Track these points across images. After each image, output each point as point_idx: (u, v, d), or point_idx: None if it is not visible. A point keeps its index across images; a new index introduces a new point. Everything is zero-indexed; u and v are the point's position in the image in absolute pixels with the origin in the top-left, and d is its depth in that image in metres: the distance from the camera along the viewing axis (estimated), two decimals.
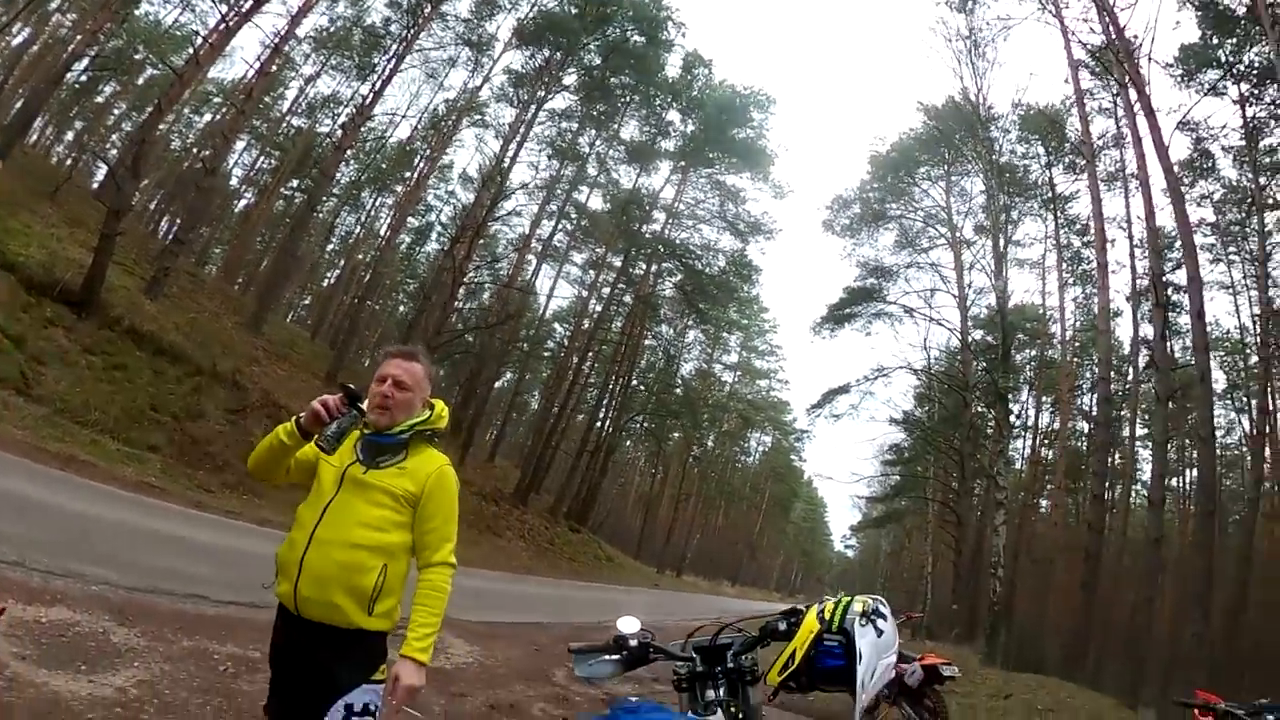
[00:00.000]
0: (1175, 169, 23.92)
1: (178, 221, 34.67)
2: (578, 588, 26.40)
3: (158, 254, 25.76)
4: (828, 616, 2.89)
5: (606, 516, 54.95)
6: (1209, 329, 24.73)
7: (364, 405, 3.06)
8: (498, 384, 47.06)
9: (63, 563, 7.00)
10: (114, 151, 37.45)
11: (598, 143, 41.26)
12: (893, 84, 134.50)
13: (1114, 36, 24.13)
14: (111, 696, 4.85)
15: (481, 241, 37.38)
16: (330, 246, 52.50)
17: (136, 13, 33.67)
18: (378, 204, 48.43)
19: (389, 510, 3.00)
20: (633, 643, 3.03)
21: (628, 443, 59.01)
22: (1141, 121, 23.62)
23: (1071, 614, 26.78)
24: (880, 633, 2.88)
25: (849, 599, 2.97)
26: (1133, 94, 23.53)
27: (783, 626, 2.98)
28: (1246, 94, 25.34)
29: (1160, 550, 23.54)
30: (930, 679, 9.40)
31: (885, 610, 2.95)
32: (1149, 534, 22.86)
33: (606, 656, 3.07)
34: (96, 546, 7.96)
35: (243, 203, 47.11)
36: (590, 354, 43.32)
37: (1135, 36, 24.19)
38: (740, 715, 2.89)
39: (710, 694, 2.92)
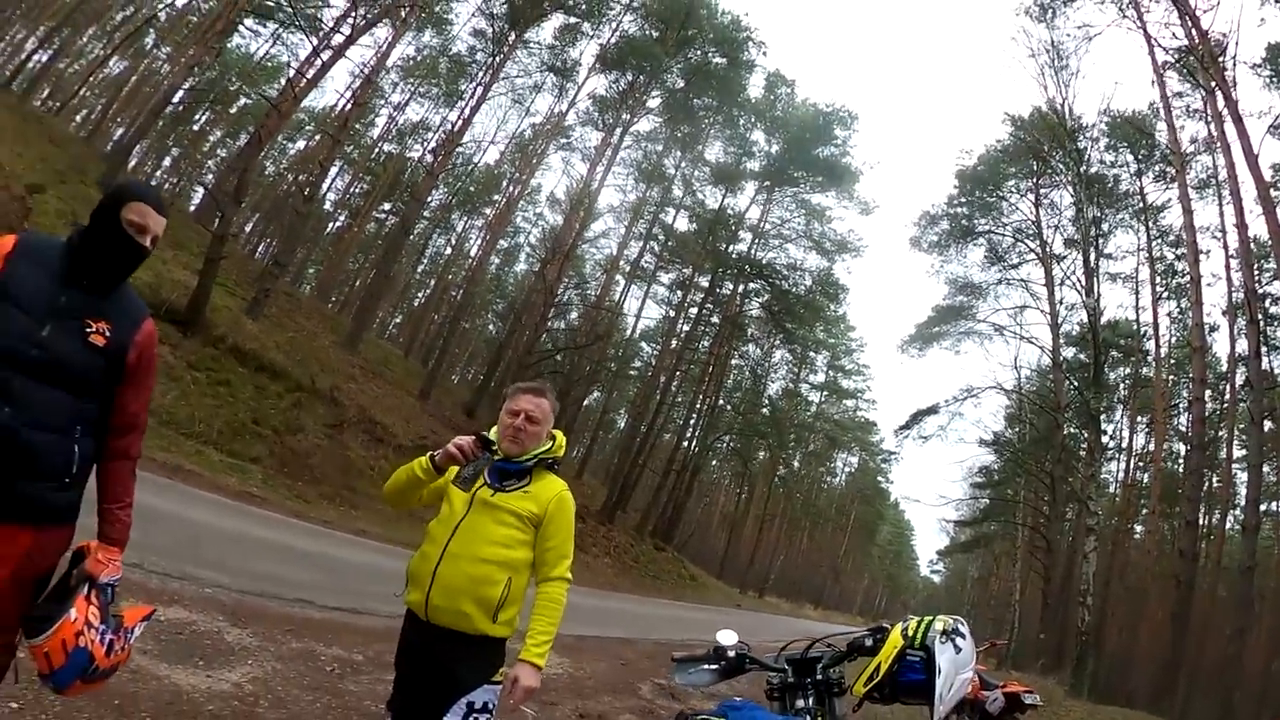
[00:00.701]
0: (1267, 175, 23.35)
1: (275, 244, 35.80)
2: (661, 605, 26.55)
3: (258, 276, 26.63)
4: (911, 633, 3.02)
5: (691, 535, 54.94)
6: None
7: (495, 449, 3.37)
8: (586, 402, 47.36)
9: (178, 566, 7.40)
10: (210, 176, 38.93)
11: (683, 164, 41.56)
12: (977, 96, 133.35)
13: (1197, 40, 23.76)
14: (228, 690, 5.18)
15: (570, 262, 37.86)
16: (421, 267, 53.72)
17: (230, 45, 35.01)
18: (467, 226, 49.58)
19: (515, 529, 3.29)
20: (731, 653, 3.27)
21: (713, 462, 59.04)
22: (1230, 128, 23.16)
23: (1162, 645, 26.02)
24: (959, 650, 3.00)
25: (931, 618, 3.10)
26: (1219, 99, 23.04)
27: (869, 642, 3.13)
28: None
29: (1254, 579, 22.91)
30: (1012, 707, 9.35)
31: (964, 630, 3.08)
32: (1243, 561, 22.17)
33: (706, 665, 3.30)
34: (207, 552, 8.36)
35: (336, 225, 48.51)
36: (677, 373, 43.37)
37: (1220, 37, 23.68)
38: None
39: (800, 703, 3.12)
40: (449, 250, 51.63)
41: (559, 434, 3.56)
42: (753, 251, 42.67)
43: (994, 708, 9.37)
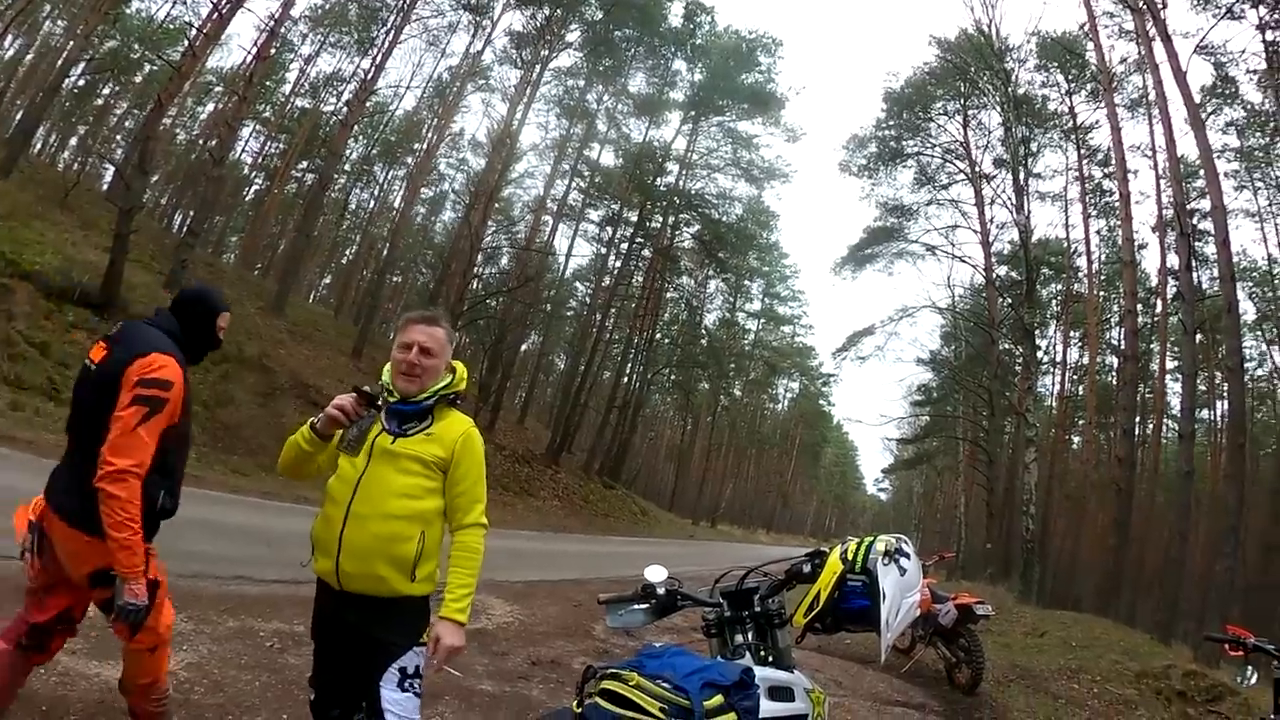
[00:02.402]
0: (1196, 95, 23.50)
1: (191, 214, 34.69)
2: (613, 543, 26.62)
3: (174, 248, 25.85)
4: (850, 557, 2.86)
5: (639, 471, 55.32)
6: (1236, 258, 24.47)
7: (380, 403, 3.13)
8: (523, 347, 47.04)
9: None
10: (120, 152, 37.54)
11: (605, 98, 40.83)
12: (903, 18, 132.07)
13: None
14: None
15: (497, 206, 37.27)
16: (346, 224, 52.41)
17: (128, 11, 33.58)
18: (390, 177, 48.32)
19: (420, 478, 3.06)
20: (660, 591, 3.08)
21: (655, 397, 59.16)
22: (1158, 48, 23.23)
23: (1105, 551, 26.88)
24: (904, 571, 2.85)
25: (871, 539, 2.95)
26: (1149, 19, 23.07)
27: (807, 569, 2.96)
28: (1266, 18, 24.36)
29: (1192, 484, 23.53)
30: (964, 618, 9.51)
31: (908, 549, 2.93)
32: (1180, 467, 22.79)
33: (636, 606, 3.11)
34: None
35: (254, 189, 47.12)
36: (612, 310, 43.25)
37: None
38: (770, 658, 2.92)
39: (739, 638, 2.96)
40: (373, 204, 50.51)
41: (459, 365, 3.32)
42: (681, 183, 42.45)
43: (946, 620, 9.52)
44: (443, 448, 3.10)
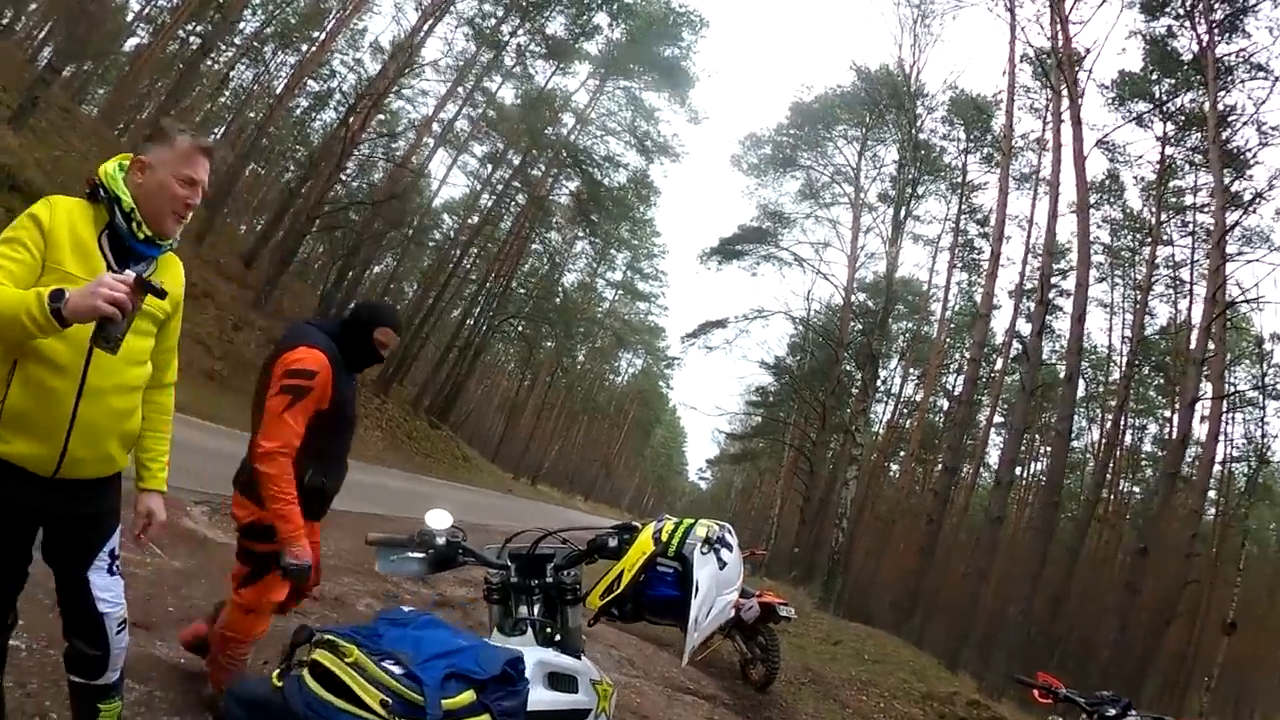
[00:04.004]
0: (1088, 181, 24.96)
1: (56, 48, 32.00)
2: (429, 484, 26.08)
3: (30, 83, 23.78)
4: (665, 539, 2.54)
5: (468, 416, 54.52)
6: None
7: (158, 285, 2.26)
8: (376, 268, 45.70)
9: None
10: None
11: (520, 34, 39.69)
12: (832, 35, 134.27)
13: (1061, 44, 24.80)
14: None
15: (381, 118, 35.86)
16: (221, 100, 49.37)
17: None
18: (280, 62, 45.72)
19: (148, 337, 2.56)
20: (440, 541, 2.65)
21: (499, 345, 58.44)
22: (1066, 130, 24.42)
23: (904, 575, 28.46)
24: (723, 564, 2.53)
25: (692, 522, 2.64)
26: (1064, 101, 24.21)
27: (613, 543, 2.65)
28: (1170, 134, 26.69)
29: (1000, 529, 25.19)
30: (766, 617, 9.52)
31: (732, 540, 2.62)
32: (991, 511, 24.33)
33: (410, 553, 2.68)
34: None
35: (135, 41, 43.86)
36: (474, 249, 42.03)
37: (1083, 50, 25.07)
38: (555, 638, 2.52)
39: (523, 610, 2.56)
40: (255, 87, 47.78)
41: None
42: (573, 137, 41.69)
43: (748, 616, 9.48)
44: (170, 300, 2.57)
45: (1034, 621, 22.56)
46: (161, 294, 2.28)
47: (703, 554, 2.43)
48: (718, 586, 2.48)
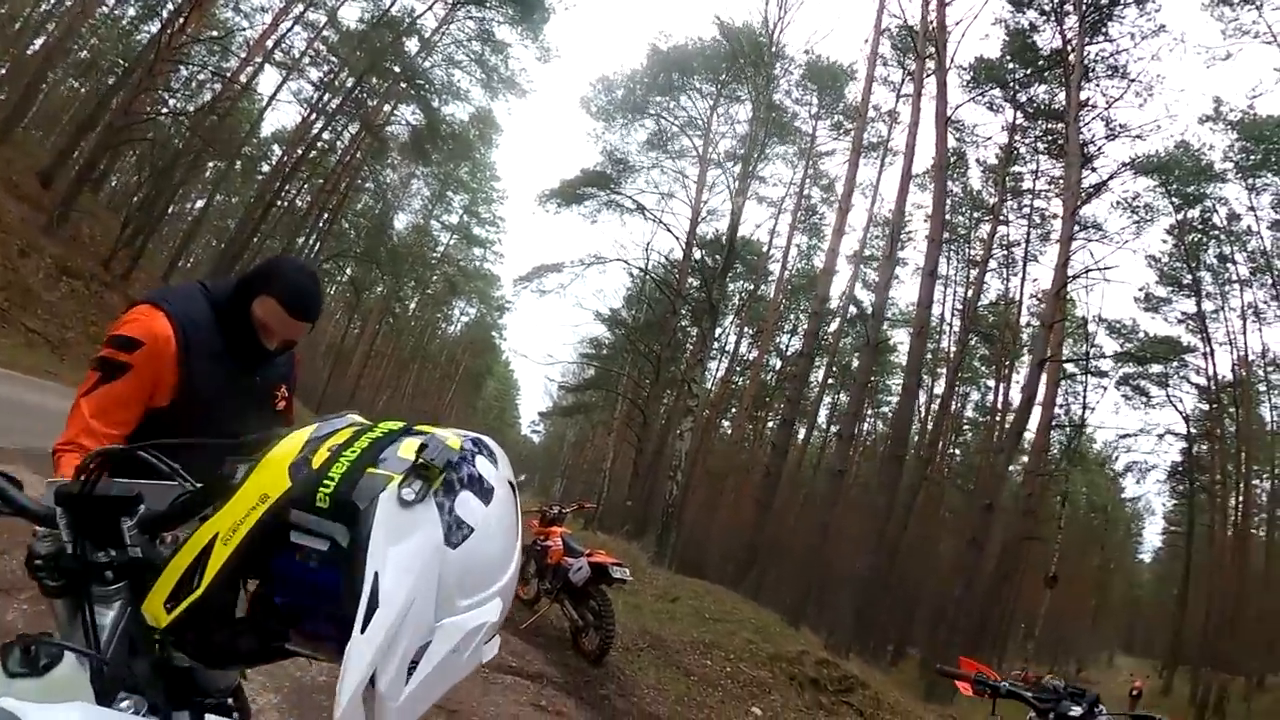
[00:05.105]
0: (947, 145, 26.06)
1: None
2: None
3: None
4: (316, 462, 0.86)
5: None
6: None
7: None
8: (192, 195, 42.75)
9: None
10: None
11: None
12: None
13: (933, 19, 25.42)
14: None
15: (214, 35, 32.98)
16: (44, 6, 43.87)
17: None
18: None
19: None
20: None
21: (325, 288, 55.67)
22: (930, 91, 25.53)
23: (740, 528, 28.48)
24: (462, 532, 0.78)
25: (391, 428, 0.90)
26: (930, 65, 25.05)
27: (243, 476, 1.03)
28: (1019, 122, 28.46)
29: (842, 482, 25.55)
30: (598, 578, 8.61)
31: (496, 469, 1.15)
32: (833, 464, 24.61)
33: None
34: None
35: None
36: (300, 177, 39.08)
37: (954, 23, 25.83)
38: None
39: (109, 611, 1.12)
40: None
41: None
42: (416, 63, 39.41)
43: (578, 577, 8.54)
44: None
45: (878, 575, 22.85)
46: None
47: (404, 504, 0.96)
48: (443, 585, 0.88)
